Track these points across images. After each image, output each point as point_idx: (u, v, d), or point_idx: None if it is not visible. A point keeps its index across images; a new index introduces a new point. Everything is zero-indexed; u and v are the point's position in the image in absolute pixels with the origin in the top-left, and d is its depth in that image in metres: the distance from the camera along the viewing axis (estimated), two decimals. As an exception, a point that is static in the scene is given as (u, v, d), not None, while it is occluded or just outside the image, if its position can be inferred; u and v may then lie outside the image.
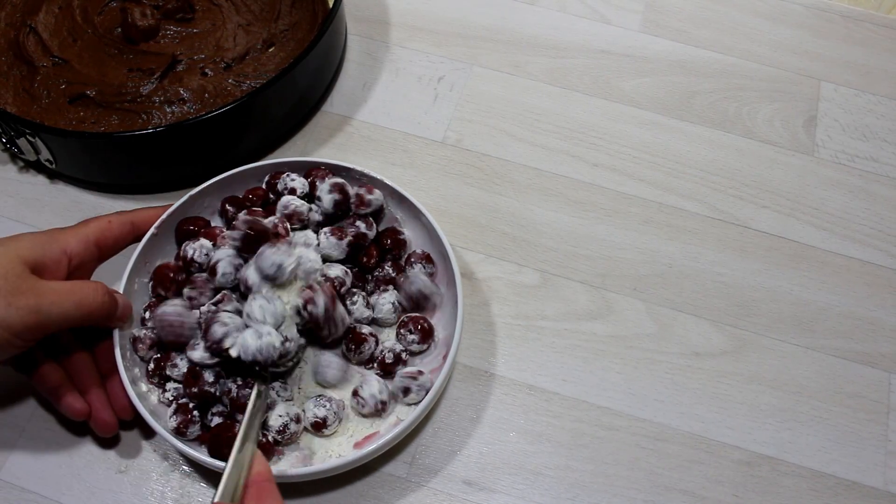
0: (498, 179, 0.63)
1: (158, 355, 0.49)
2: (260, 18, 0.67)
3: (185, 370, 0.48)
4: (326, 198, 0.53)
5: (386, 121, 0.66)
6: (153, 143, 0.57)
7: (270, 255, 0.46)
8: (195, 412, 0.47)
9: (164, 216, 0.52)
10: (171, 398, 0.49)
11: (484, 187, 0.63)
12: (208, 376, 0.47)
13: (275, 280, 0.47)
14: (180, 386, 0.49)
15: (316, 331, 0.48)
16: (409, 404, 0.49)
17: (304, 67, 0.60)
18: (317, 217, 0.54)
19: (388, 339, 0.52)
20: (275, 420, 0.47)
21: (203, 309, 0.49)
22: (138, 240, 0.51)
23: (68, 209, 0.61)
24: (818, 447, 0.52)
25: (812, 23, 0.74)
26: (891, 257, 0.61)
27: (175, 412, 0.47)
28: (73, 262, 0.46)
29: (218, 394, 0.48)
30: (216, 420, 0.48)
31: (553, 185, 0.63)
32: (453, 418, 0.52)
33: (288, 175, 0.55)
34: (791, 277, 0.59)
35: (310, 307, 0.46)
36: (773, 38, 0.73)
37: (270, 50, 0.65)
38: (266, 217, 0.52)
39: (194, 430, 0.47)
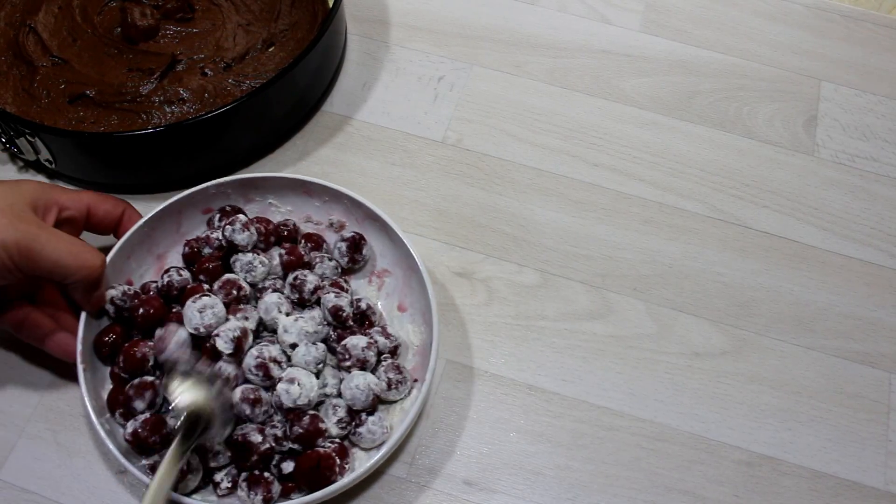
0: (498, 179, 0.63)
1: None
2: (260, 18, 0.67)
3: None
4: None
5: (386, 121, 0.66)
6: (153, 143, 0.57)
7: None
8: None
9: (110, 255, 0.51)
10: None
11: (484, 187, 0.63)
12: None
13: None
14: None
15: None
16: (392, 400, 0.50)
17: (303, 67, 0.60)
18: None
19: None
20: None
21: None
22: (118, 235, 0.52)
23: (68, 209, 0.61)
24: (818, 447, 0.52)
25: (812, 23, 0.74)
26: (891, 257, 0.61)
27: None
28: (62, 213, 0.49)
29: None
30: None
31: (553, 185, 0.63)
32: (453, 418, 0.52)
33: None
34: (791, 277, 0.59)
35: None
36: (773, 38, 0.73)
37: (270, 50, 0.64)
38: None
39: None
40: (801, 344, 0.56)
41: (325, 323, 0.51)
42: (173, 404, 0.45)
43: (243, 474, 0.47)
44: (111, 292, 0.51)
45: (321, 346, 0.49)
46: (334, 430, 0.48)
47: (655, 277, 0.59)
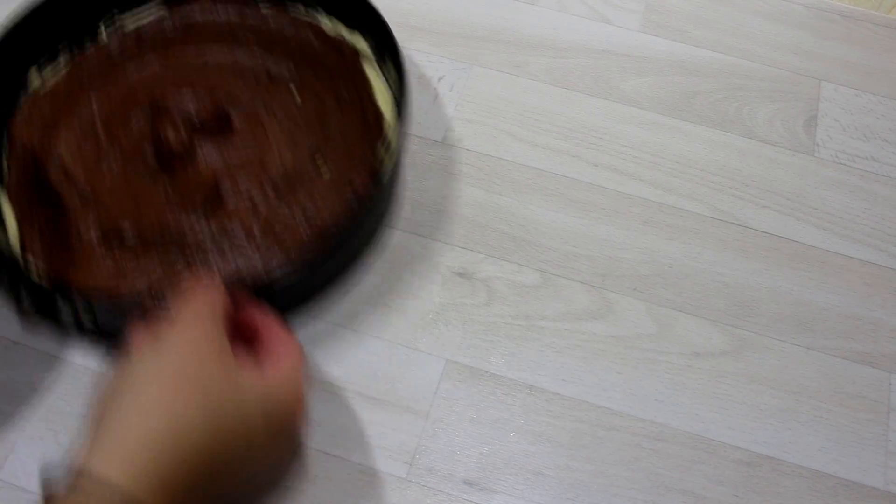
0: (498, 179, 0.63)
1: None
2: (304, 127, 0.60)
3: None
4: None
5: (386, 121, 0.66)
6: None
7: None
8: None
9: None
10: None
11: (484, 187, 0.63)
12: None
13: None
14: None
15: None
16: None
17: (372, 207, 0.55)
18: None
19: None
20: None
21: None
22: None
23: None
24: (818, 447, 0.52)
25: (812, 23, 0.74)
26: (891, 257, 0.61)
27: None
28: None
29: None
30: None
31: (553, 185, 0.63)
32: (453, 418, 0.52)
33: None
34: (791, 277, 0.59)
35: None
36: (773, 38, 0.73)
37: (320, 164, 0.57)
38: None
39: None
40: (801, 344, 0.56)
41: None
42: None
43: None
44: None
45: None
46: None
47: (655, 277, 0.59)
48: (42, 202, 0.55)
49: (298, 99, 0.61)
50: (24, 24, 0.59)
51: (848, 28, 0.74)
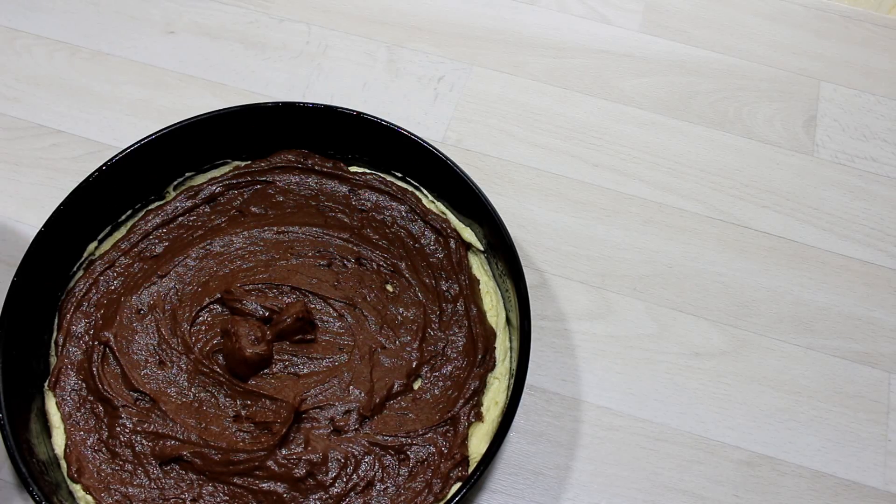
0: (498, 179, 0.63)
1: None
2: (402, 338, 0.52)
3: None
4: None
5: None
6: None
7: None
8: None
9: None
10: None
11: (484, 187, 0.62)
12: None
13: None
14: None
15: None
16: None
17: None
18: None
19: None
20: None
21: None
22: None
23: None
24: (818, 447, 0.53)
25: (812, 23, 0.74)
26: (891, 257, 0.61)
27: None
28: None
29: None
30: None
31: (553, 185, 0.63)
32: (453, 418, 0.52)
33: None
34: (791, 277, 0.59)
35: None
36: (773, 38, 0.73)
37: (417, 388, 0.50)
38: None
39: None
40: (801, 344, 0.56)
41: None
42: None
43: None
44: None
45: None
46: None
47: (655, 277, 0.59)
48: (92, 406, 0.49)
49: (392, 293, 0.53)
50: (89, 191, 0.52)
51: (848, 28, 0.74)
